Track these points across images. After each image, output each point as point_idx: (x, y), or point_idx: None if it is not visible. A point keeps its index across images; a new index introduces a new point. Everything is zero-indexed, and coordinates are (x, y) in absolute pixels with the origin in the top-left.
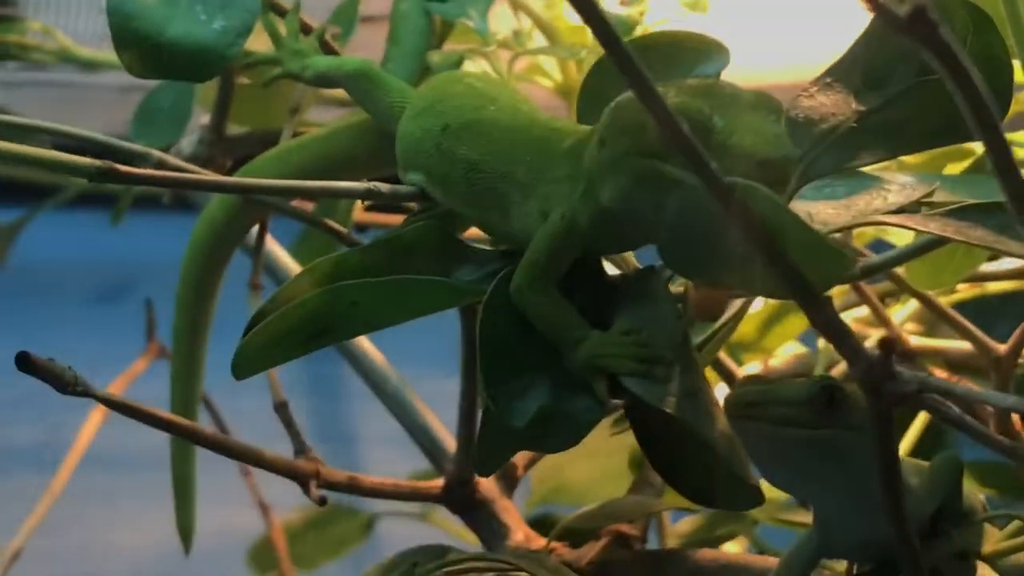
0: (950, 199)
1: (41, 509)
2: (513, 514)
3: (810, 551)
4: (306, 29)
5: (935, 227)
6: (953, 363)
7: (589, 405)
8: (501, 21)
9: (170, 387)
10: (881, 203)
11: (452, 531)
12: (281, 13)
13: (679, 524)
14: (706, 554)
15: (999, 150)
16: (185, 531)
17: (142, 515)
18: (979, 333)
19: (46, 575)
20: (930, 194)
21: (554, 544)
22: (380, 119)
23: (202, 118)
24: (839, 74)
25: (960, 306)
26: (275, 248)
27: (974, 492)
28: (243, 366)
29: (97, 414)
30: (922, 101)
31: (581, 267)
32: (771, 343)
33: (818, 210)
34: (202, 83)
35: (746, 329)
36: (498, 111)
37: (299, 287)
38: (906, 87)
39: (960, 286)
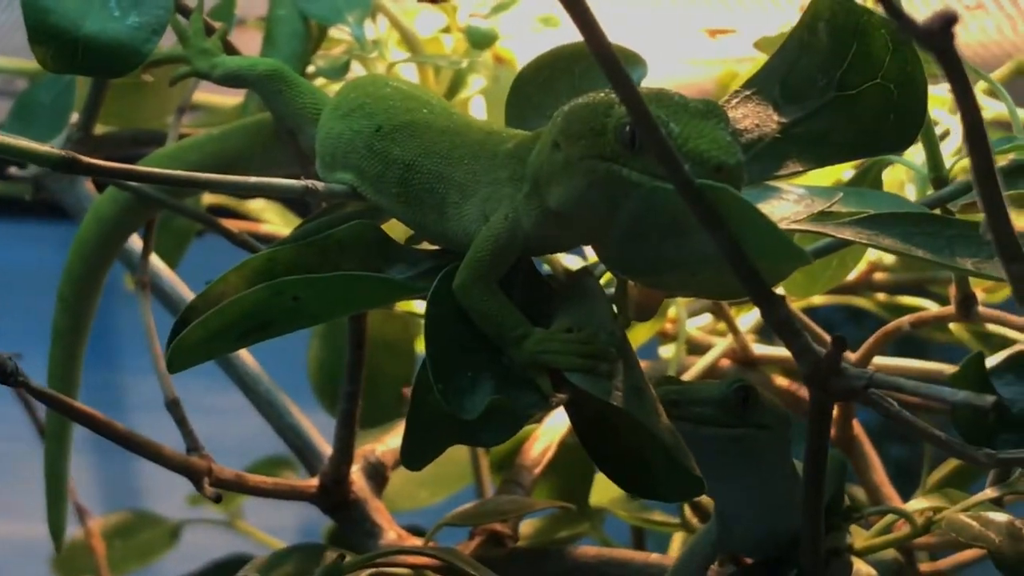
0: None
1: None
2: (384, 514)
3: (708, 546)
4: (209, 30)
5: (850, 234)
6: (792, 371)
7: (533, 400)
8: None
9: (48, 385)
10: (788, 211)
11: (258, 538)
12: (185, 12)
13: (522, 526)
14: (587, 550)
15: (983, 160)
16: (56, 531)
17: None
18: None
19: None
20: (831, 205)
21: (431, 543)
22: (292, 120)
23: (72, 116)
24: (758, 86)
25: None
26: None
27: (852, 489)
28: (178, 360)
29: None
30: (843, 115)
31: (517, 267)
32: None
33: None
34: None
35: None
36: (431, 114)
37: (229, 284)
38: (827, 100)
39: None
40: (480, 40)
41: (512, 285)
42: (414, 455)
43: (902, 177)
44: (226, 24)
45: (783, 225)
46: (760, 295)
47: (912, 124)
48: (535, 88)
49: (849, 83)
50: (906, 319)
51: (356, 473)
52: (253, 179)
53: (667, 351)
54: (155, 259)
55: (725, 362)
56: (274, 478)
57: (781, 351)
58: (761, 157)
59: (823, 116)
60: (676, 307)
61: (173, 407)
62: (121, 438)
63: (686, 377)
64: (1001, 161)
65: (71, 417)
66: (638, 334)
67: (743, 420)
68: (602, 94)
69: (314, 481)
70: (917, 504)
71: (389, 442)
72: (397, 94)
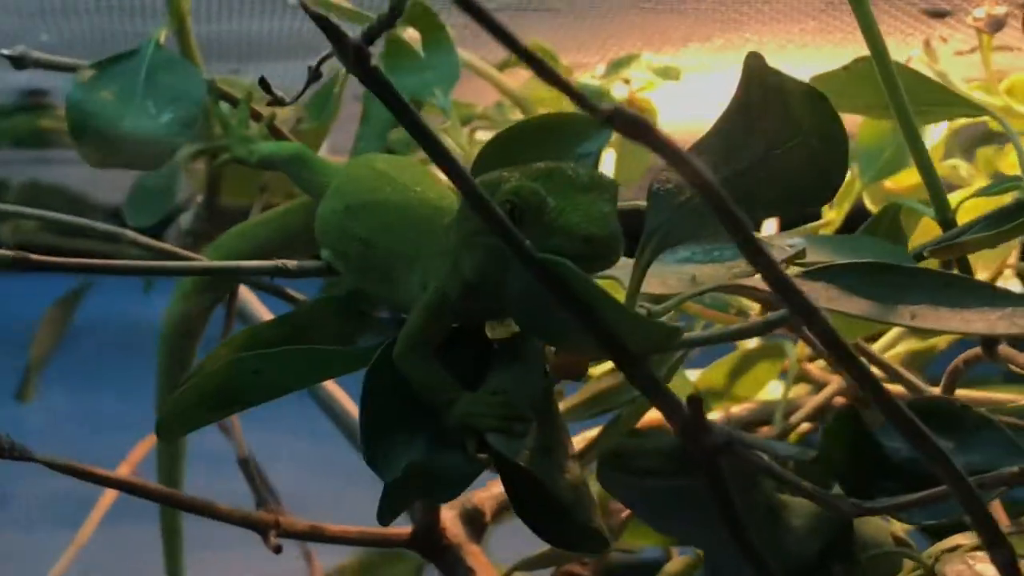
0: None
1: (64, 560)
2: (479, 558)
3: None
4: (256, 116)
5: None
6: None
7: (459, 460)
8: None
9: (156, 456)
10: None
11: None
12: (234, 103)
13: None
14: None
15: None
16: None
17: None
18: None
19: None
20: (800, 255)
21: None
22: (314, 197)
23: (199, 195)
24: (704, 148)
25: None
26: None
27: (886, 528)
28: (166, 430)
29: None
30: (769, 173)
31: (467, 333)
32: (742, 391)
33: (703, 272)
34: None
35: (714, 377)
36: (392, 192)
37: (219, 357)
38: (756, 160)
39: None
40: (594, 95)
41: (460, 350)
42: (384, 511)
43: None
44: (322, 106)
45: (725, 281)
46: (620, 359)
47: (834, 179)
48: (496, 161)
49: (776, 141)
50: (959, 359)
51: (452, 519)
52: (222, 263)
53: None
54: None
55: (840, 400)
56: (360, 527)
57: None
58: (688, 217)
59: (750, 175)
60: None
61: (244, 464)
62: (162, 498)
63: (797, 416)
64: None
65: (89, 480)
66: (763, 374)
67: (687, 470)
68: (497, 172)
69: (407, 529)
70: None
71: (491, 488)
72: (368, 174)
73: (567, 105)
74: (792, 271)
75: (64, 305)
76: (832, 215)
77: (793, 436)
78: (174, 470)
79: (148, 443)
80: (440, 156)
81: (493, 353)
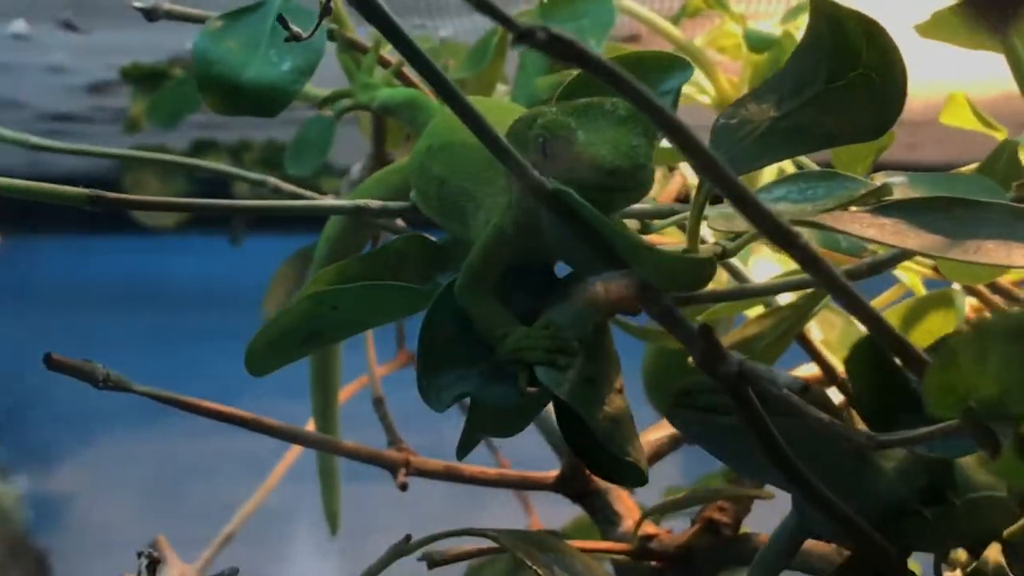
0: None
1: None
2: (626, 502)
3: (789, 532)
4: (385, 63)
5: (855, 228)
6: None
7: (510, 393)
8: None
9: (311, 395)
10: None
11: None
12: (364, 51)
13: None
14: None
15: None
16: (332, 515)
17: None
18: None
19: None
20: (884, 191)
21: (653, 530)
22: None
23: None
24: (773, 84)
25: None
26: None
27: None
28: (252, 366)
29: None
30: (825, 106)
31: (533, 271)
32: (916, 340)
33: (792, 210)
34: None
35: None
36: (468, 132)
37: (308, 292)
38: (814, 94)
39: None
40: (759, 44)
41: (523, 286)
42: (462, 446)
43: None
44: (481, 55)
45: (793, 216)
46: (636, 288)
47: (891, 111)
48: (577, 97)
49: (836, 74)
50: None
51: None
52: (301, 203)
53: None
54: None
55: None
56: (499, 470)
57: None
58: (745, 150)
59: (809, 108)
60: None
61: (377, 404)
62: (283, 434)
63: None
64: None
65: (193, 411)
66: (936, 323)
67: None
68: (538, 107)
69: (551, 473)
70: None
71: (645, 434)
72: (451, 116)
73: (749, 59)
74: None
75: (294, 263)
76: None
77: None
78: (327, 413)
79: None
80: (437, 81)
81: (554, 290)
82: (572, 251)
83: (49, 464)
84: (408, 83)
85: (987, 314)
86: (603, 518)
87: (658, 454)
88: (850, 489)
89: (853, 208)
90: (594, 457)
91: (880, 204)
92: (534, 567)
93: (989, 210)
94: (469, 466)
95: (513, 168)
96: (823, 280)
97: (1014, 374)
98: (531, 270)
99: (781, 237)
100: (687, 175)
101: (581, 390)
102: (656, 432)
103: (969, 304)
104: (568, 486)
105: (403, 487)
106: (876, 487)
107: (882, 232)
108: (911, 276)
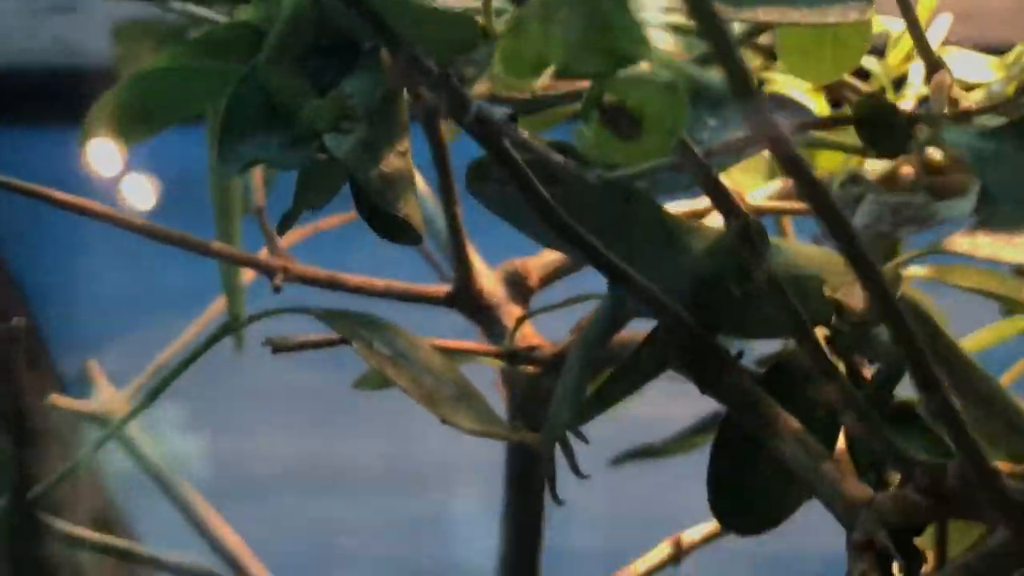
0: None
1: None
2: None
3: (605, 312)
4: None
5: None
6: None
7: (300, 159)
8: None
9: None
10: None
11: None
12: None
13: None
14: None
15: None
16: None
17: None
18: None
19: None
20: None
21: (538, 340)
22: None
23: None
24: None
25: None
26: None
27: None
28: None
29: None
30: None
31: (339, 46)
32: None
33: None
34: None
35: None
36: None
37: None
38: None
39: None
40: None
41: (332, 63)
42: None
43: None
44: None
45: None
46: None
47: None
48: None
49: None
50: None
51: (493, 281)
52: None
53: None
54: None
55: None
56: (405, 283)
57: None
58: None
59: None
60: None
61: (256, 214)
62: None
63: None
64: None
65: None
66: None
67: None
68: None
69: (444, 287)
70: None
71: (543, 255)
72: None
73: None
74: None
75: None
76: None
77: None
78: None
79: None
80: None
81: (356, 65)
82: (355, 25)
83: None
84: None
85: None
86: (494, 333)
87: (554, 275)
88: (656, 266)
89: None
90: (371, 213)
91: None
92: (353, 341)
93: None
94: (353, 276)
95: None
96: None
97: (576, 36)
98: (336, 46)
99: None
100: None
101: (358, 152)
102: (551, 254)
103: None
104: (459, 301)
105: (277, 289)
106: (682, 264)
107: None
108: None
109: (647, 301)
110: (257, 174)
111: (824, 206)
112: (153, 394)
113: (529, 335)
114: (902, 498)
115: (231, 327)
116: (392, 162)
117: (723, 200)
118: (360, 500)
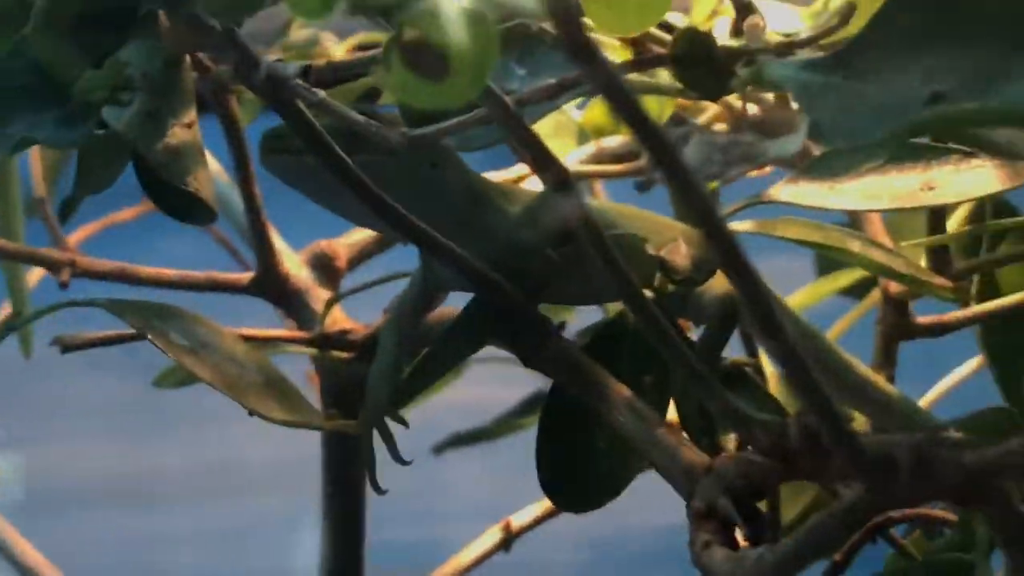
0: None
1: None
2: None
3: (416, 285)
4: None
5: None
6: None
7: (77, 136)
8: None
9: None
10: None
11: None
12: None
13: None
14: None
15: None
16: None
17: None
18: None
19: None
20: None
21: (351, 324)
22: None
23: None
24: None
25: None
26: None
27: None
28: None
29: None
30: None
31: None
32: None
33: None
34: None
35: None
36: None
37: None
38: None
39: None
40: None
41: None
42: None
43: None
44: None
45: None
46: None
47: None
48: None
49: None
50: None
51: (298, 264)
52: None
53: None
54: None
55: None
56: (203, 273)
57: None
58: None
59: None
60: None
61: (38, 205)
62: None
63: None
64: None
65: None
66: None
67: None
68: None
69: (247, 275)
70: None
71: (351, 235)
72: None
73: None
74: None
75: None
76: None
77: None
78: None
79: None
80: None
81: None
82: None
83: None
84: None
85: None
86: (304, 319)
87: (365, 255)
88: (468, 233)
89: None
90: (158, 191)
91: None
92: (148, 332)
93: None
94: (145, 268)
95: None
96: None
97: None
98: (110, 11)
99: None
100: None
101: (140, 124)
102: (360, 233)
103: None
104: (263, 287)
105: (63, 286)
106: (496, 230)
107: None
108: None
109: (460, 270)
110: (36, 161)
111: (659, 148)
112: None
113: (340, 319)
114: (745, 461)
115: (13, 326)
116: (178, 133)
117: (538, 151)
118: (171, 509)
